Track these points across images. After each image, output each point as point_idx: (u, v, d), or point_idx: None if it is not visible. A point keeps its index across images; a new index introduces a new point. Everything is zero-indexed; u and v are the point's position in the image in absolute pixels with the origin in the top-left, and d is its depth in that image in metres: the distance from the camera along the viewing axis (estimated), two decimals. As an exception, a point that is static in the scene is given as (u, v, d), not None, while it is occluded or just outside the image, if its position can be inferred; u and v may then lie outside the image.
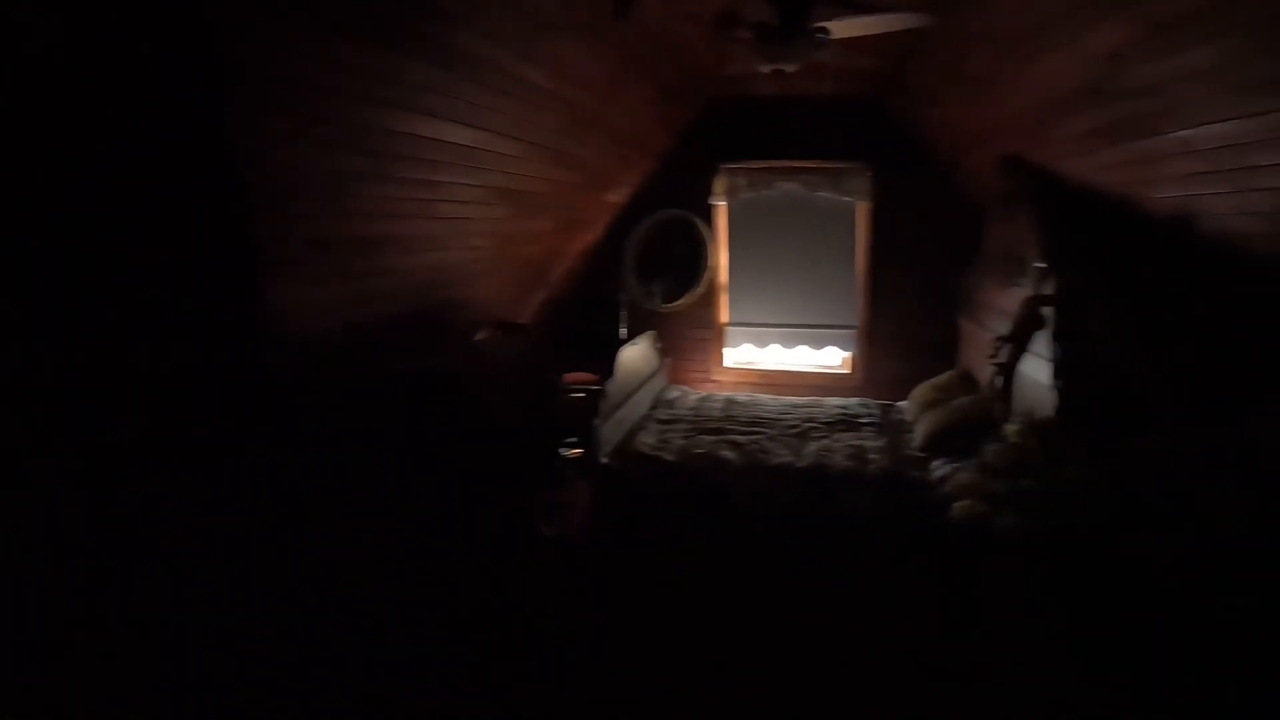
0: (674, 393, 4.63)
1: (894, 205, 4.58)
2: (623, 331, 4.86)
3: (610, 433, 3.56)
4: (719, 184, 4.82)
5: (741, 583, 3.00)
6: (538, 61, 2.69)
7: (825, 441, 3.63)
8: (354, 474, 2.65)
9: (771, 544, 3.11)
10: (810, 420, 3.97)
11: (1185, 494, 2.34)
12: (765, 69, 2.66)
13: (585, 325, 5.04)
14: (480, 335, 3.99)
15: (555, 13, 2.49)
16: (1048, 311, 2.84)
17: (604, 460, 3.43)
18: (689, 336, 5.13)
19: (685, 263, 5.03)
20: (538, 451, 3.64)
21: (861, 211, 4.67)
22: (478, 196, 3.18)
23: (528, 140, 3.15)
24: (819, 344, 4.92)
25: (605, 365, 3.82)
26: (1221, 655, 1.99)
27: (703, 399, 4.52)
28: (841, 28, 2.38)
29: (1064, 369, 2.77)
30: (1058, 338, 2.80)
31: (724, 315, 5.07)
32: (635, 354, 4.17)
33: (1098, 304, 2.85)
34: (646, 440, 3.66)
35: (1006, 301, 3.46)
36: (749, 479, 3.26)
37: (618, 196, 4.84)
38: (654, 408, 4.29)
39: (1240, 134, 1.94)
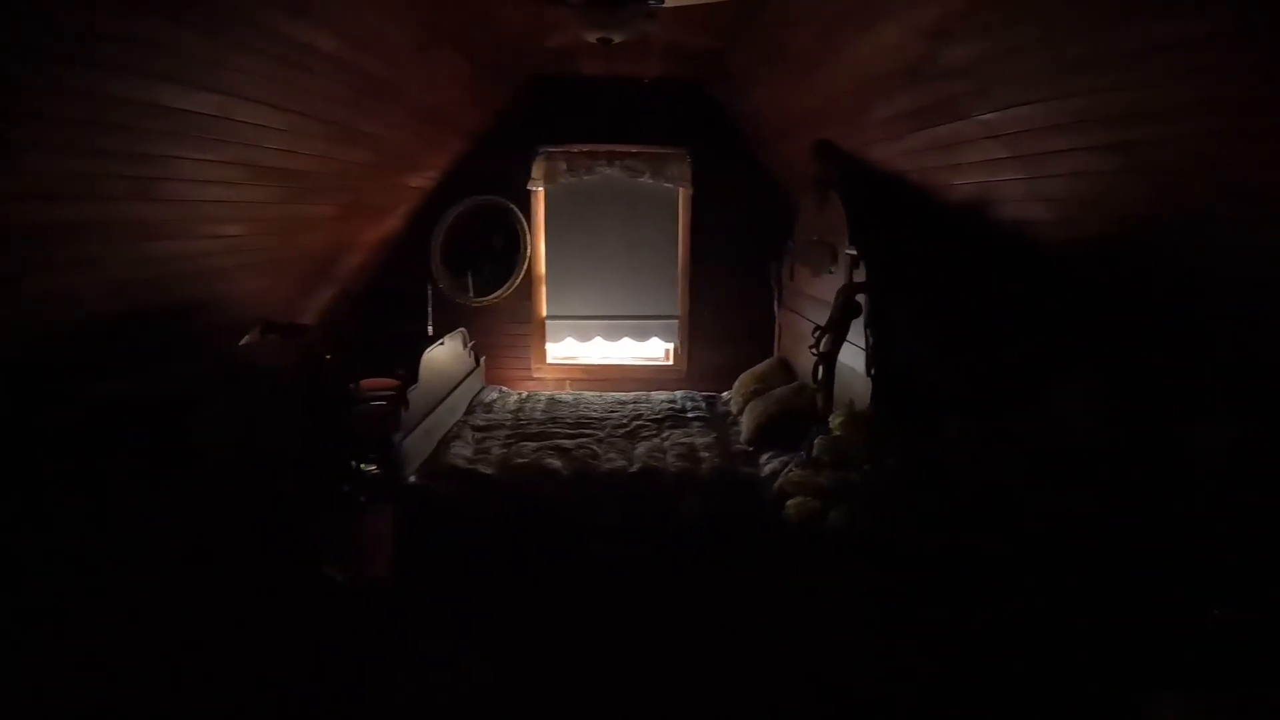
0: (492, 394, 4.21)
1: (714, 192, 4.53)
2: (429, 330, 4.33)
3: (417, 446, 3.08)
4: (538, 168, 4.47)
5: (577, 609, 2.70)
6: (312, 16, 2.15)
7: (655, 441, 3.46)
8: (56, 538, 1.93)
9: (607, 560, 2.84)
10: (638, 417, 3.78)
11: (988, 480, 2.43)
12: (591, 38, 2.38)
13: (384, 324, 4.44)
14: (246, 339, 3.27)
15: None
16: (862, 299, 2.86)
17: (410, 479, 2.94)
18: (506, 332, 4.74)
19: (501, 253, 4.63)
20: (323, 476, 3.00)
21: (683, 198, 4.57)
22: (222, 175, 2.53)
23: (295, 111, 2.56)
24: (642, 335, 4.76)
25: (410, 368, 3.31)
26: (1039, 642, 2.04)
27: (524, 400, 4.16)
28: None
29: (877, 358, 2.80)
30: (869, 326, 2.82)
31: (543, 308, 4.73)
32: (444, 354, 3.70)
33: (904, 292, 2.93)
34: (461, 452, 3.22)
35: (820, 289, 3.51)
36: (579, 490, 2.98)
37: (422, 180, 4.29)
38: (469, 413, 3.85)
39: (1037, 118, 1.97)
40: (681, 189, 4.52)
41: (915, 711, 2.15)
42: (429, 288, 4.46)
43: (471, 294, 4.64)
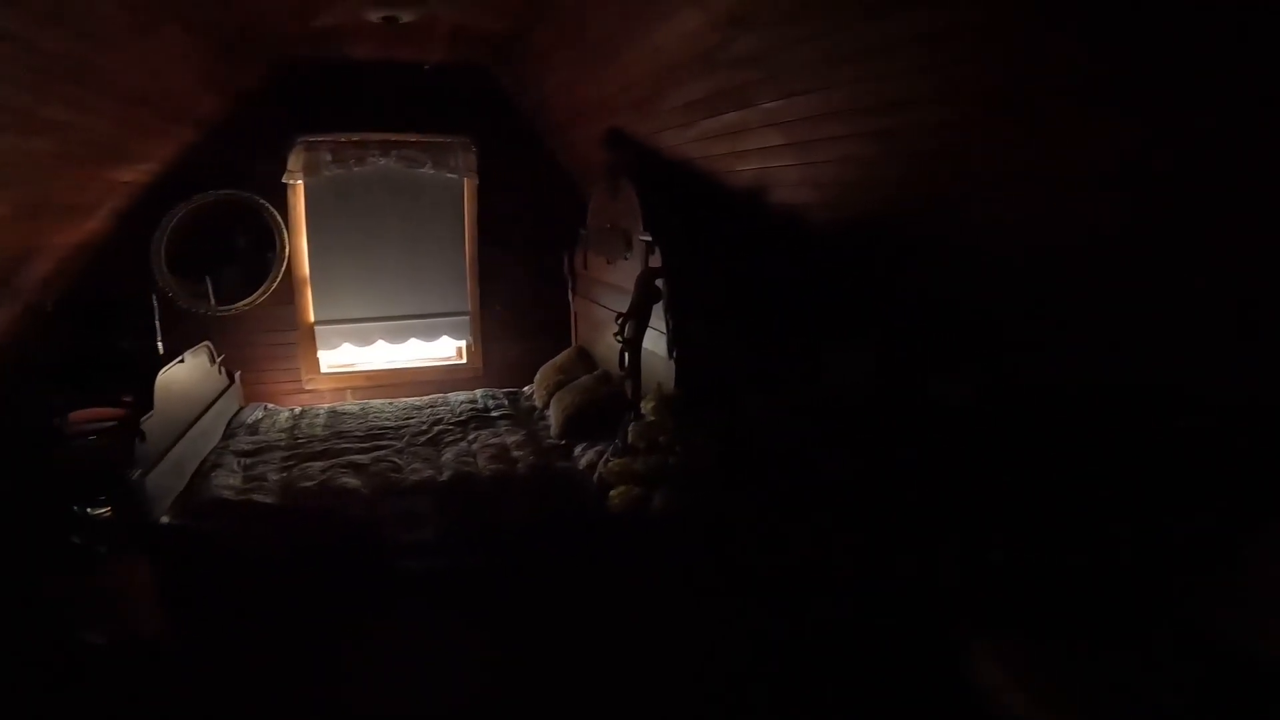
0: (255, 414, 3.62)
1: (502, 181, 4.33)
2: (159, 346, 3.59)
3: (165, 481, 2.54)
4: (295, 159, 3.92)
5: (399, 634, 2.41)
6: None
7: (463, 444, 3.23)
8: None
9: (425, 577, 2.58)
10: (439, 422, 3.51)
11: (787, 447, 2.63)
12: (374, 17, 2.09)
13: (96, 344, 3.57)
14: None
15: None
16: (661, 284, 2.92)
17: (164, 520, 2.40)
18: (266, 343, 4.12)
19: (249, 254, 4.00)
20: (37, 529, 2.33)
21: (468, 189, 4.31)
22: None
23: None
24: (431, 335, 4.42)
25: (139, 394, 2.69)
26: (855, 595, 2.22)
27: (298, 416, 3.64)
28: None
29: (678, 341, 2.87)
30: (669, 310, 2.89)
31: (310, 313, 4.17)
32: (185, 374, 3.09)
33: (698, 275, 3.06)
34: (227, 482, 2.72)
35: (615, 276, 3.54)
36: (384, 506, 2.66)
37: (136, 174, 3.50)
38: (229, 437, 3.26)
39: (810, 107, 2.12)
40: (466, 179, 4.27)
41: (758, 675, 2.23)
42: (153, 297, 3.69)
43: (213, 302, 3.95)
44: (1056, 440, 2.11)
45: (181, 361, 3.10)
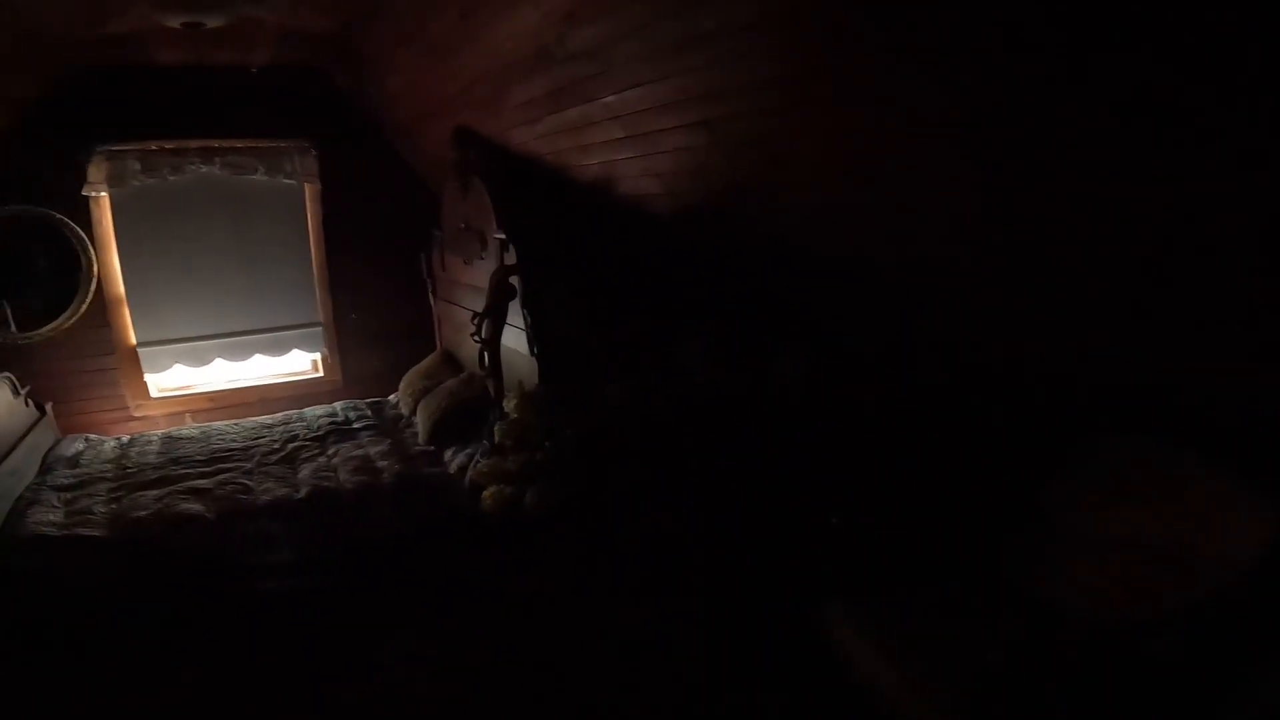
0: (75, 446, 3.26)
1: (347, 185, 4.14)
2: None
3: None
4: (97, 170, 3.57)
5: (261, 665, 2.27)
6: None
7: (321, 460, 3.08)
8: None
9: (282, 597, 2.45)
10: (294, 439, 3.32)
11: (647, 434, 2.72)
12: (173, 23, 1.93)
13: None
14: None
15: None
16: (516, 281, 2.94)
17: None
18: (78, 370, 3.73)
19: (52, 275, 3.60)
20: None
21: (310, 194, 4.09)
22: None
23: None
24: (279, 349, 4.16)
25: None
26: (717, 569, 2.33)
27: (126, 445, 3.31)
28: None
29: (537, 337, 2.89)
30: (526, 307, 2.91)
31: (130, 335, 3.80)
32: (-18, 407, 2.72)
33: (553, 270, 3.11)
34: (46, 518, 2.47)
35: (473, 276, 3.51)
36: (234, 530, 2.49)
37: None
38: (45, 473, 2.93)
39: (645, 99, 2.21)
40: (307, 184, 4.05)
41: (639, 659, 2.29)
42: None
43: (13, 328, 3.51)
44: (885, 408, 2.34)
45: (-27, 395, 2.73)
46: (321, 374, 4.35)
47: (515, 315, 2.95)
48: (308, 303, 4.20)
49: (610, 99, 2.35)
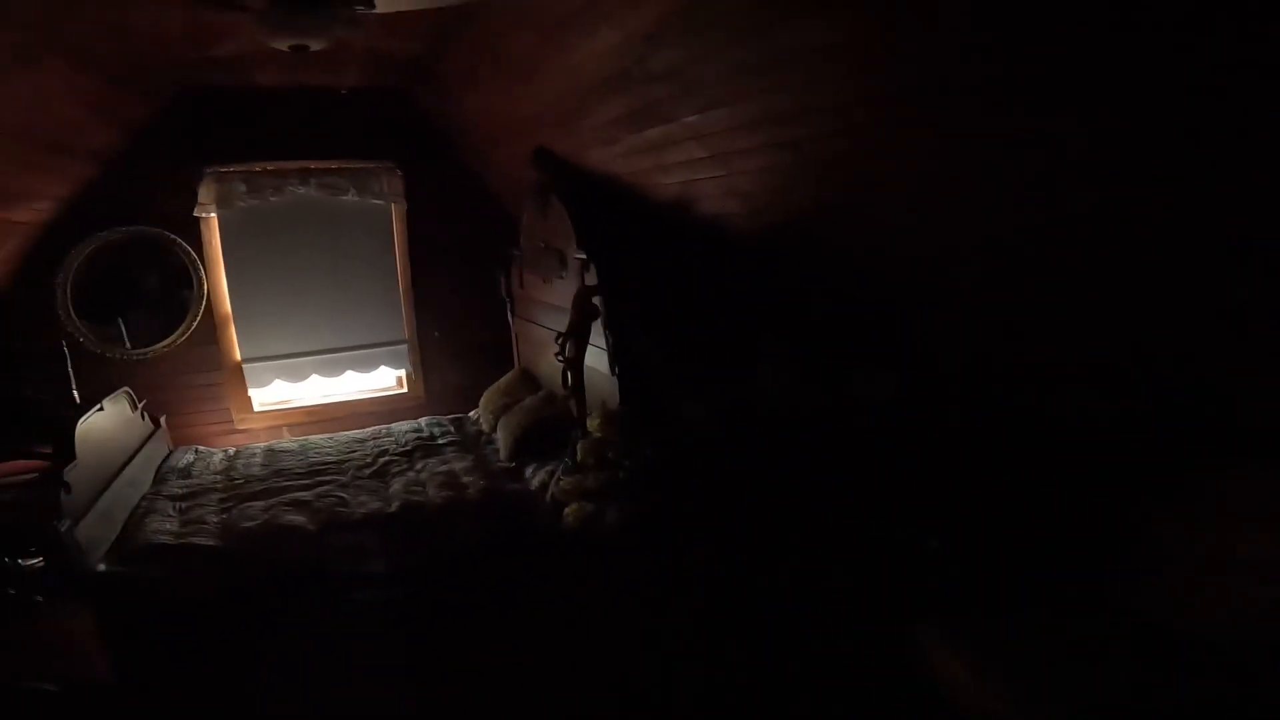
0: (186, 457, 3.48)
1: (430, 205, 4.30)
2: (75, 395, 3.41)
3: (97, 530, 2.44)
4: (206, 191, 3.79)
5: (353, 672, 2.36)
6: None
7: (410, 474, 3.19)
8: None
9: (379, 610, 2.54)
10: (384, 453, 3.45)
11: (728, 453, 2.70)
12: (281, 45, 2.08)
13: (7, 394, 3.37)
14: None
15: None
16: (598, 301, 2.98)
17: (100, 568, 2.31)
18: (189, 385, 3.98)
19: (163, 293, 3.84)
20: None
21: (396, 214, 4.27)
22: None
23: None
24: (368, 366, 4.35)
25: (57, 444, 2.57)
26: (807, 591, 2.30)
27: (233, 457, 3.51)
28: None
29: (619, 357, 2.93)
30: (608, 327, 2.94)
31: (236, 351, 4.04)
32: (105, 422, 2.96)
33: (633, 290, 3.13)
34: (163, 528, 2.63)
35: (552, 295, 3.58)
36: (332, 542, 2.61)
37: (31, 214, 3.33)
38: (160, 483, 3.14)
39: (727, 120, 2.22)
40: (394, 204, 4.23)
41: (718, 680, 2.27)
42: (64, 344, 3.50)
43: (129, 345, 3.78)
44: (980, 427, 2.25)
45: (100, 409, 2.96)
46: (406, 390, 4.51)
47: (596, 335, 2.99)
48: (394, 320, 4.37)
49: (692, 119, 2.36)
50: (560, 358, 2.95)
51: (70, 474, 2.41)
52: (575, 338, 2.94)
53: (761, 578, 2.39)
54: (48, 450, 2.65)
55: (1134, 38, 1.19)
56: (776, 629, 2.31)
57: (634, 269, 3.20)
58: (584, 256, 3.07)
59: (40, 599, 2.26)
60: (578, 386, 2.95)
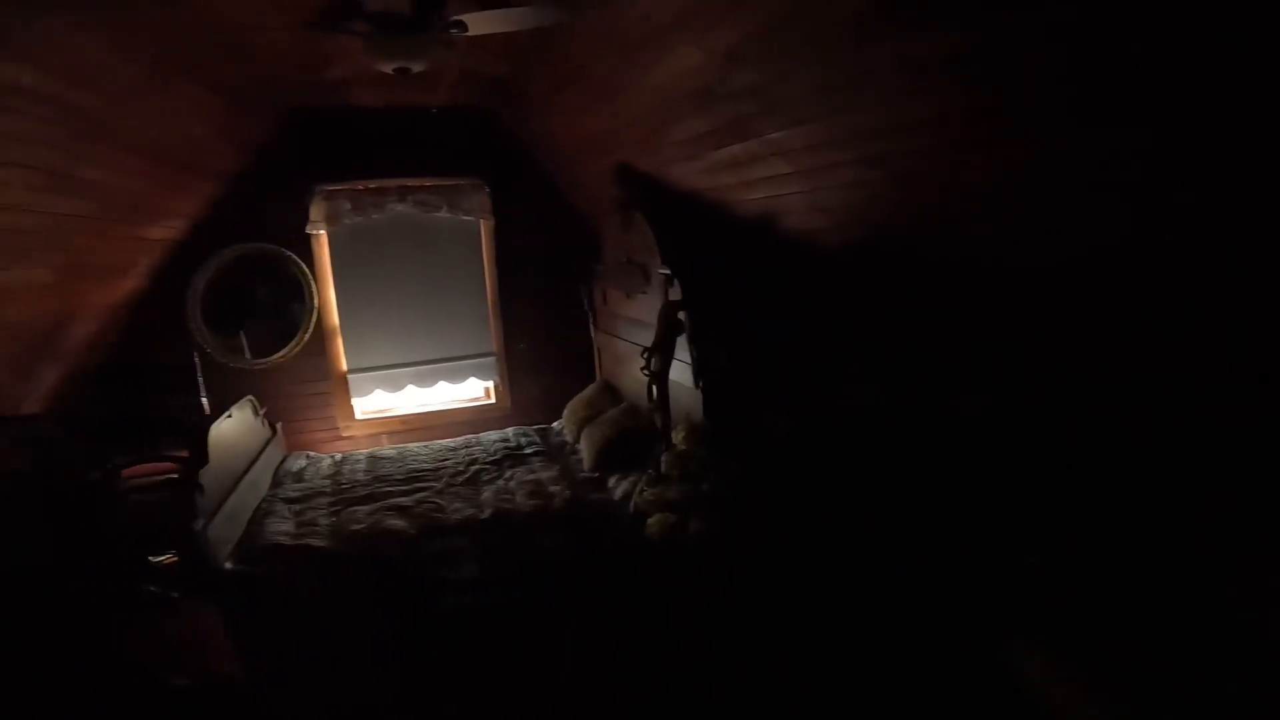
0: (299, 462, 3.74)
1: (515, 221, 4.46)
2: (204, 402, 3.74)
3: (223, 530, 2.65)
4: (317, 209, 4.05)
5: (451, 667, 2.49)
6: (12, 50, 1.78)
7: (500, 483, 3.32)
8: None
9: (466, 612, 2.66)
10: (475, 461, 3.60)
11: (815, 470, 2.69)
12: (387, 68, 2.25)
13: (143, 402, 3.73)
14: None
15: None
16: (683, 316, 3.02)
17: (227, 566, 2.52)
18: (301, 394, 4.24)
19: (279, 306, 4.13)
20: (101, 582, 2.45)
21: (484, 230, 4.46)
22: None
23: None
24: (459, 377, 4.55)
25: (192, 448, 2.83)
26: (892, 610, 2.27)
27: (340, 463, 3.75)
28: (479, 22, 2.12)
29: (703, 370, 2.96)
30: (693, 341, 2.98)
31: (342, 362, 4.32)
32: (232, 427, 3.22)
33: (717, 305, 3.16)
34: (280, 528, 2.84)
35: (635, 309, 3.65)
36: (429, 547, 2.75)
37: (166, 231, 3.68)
38: (276, 486, 3.39)
39: (813, 135, 2.22)
40: (482, 221, 4.41)
41: (801, 697, 2.27)
42: (195, 355, 3.84)
43: (249, 355, 4.09)
44: (1081, 445, 2.16)
45: (229, 416, 3.23)
46: (494, 401, 4.68)
47: (681, 349, 3.03)
48: (483, 334, 4.56)
49: (776, 135, 2.37)
50: (646, 371, 3.01)
51: (204, 476, 2.65)
52: (660, 352, 2.99)
53: (847, 592, 2.36)
54: (183, 454, 2.91)
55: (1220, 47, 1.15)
56: (861, 643, 2.28)
57: (718, 283, 3.22)
58: (668, 271, 3.12)
59: (176, 595, 2.48)
60: (662, 400, 3.00)
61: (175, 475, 2.95)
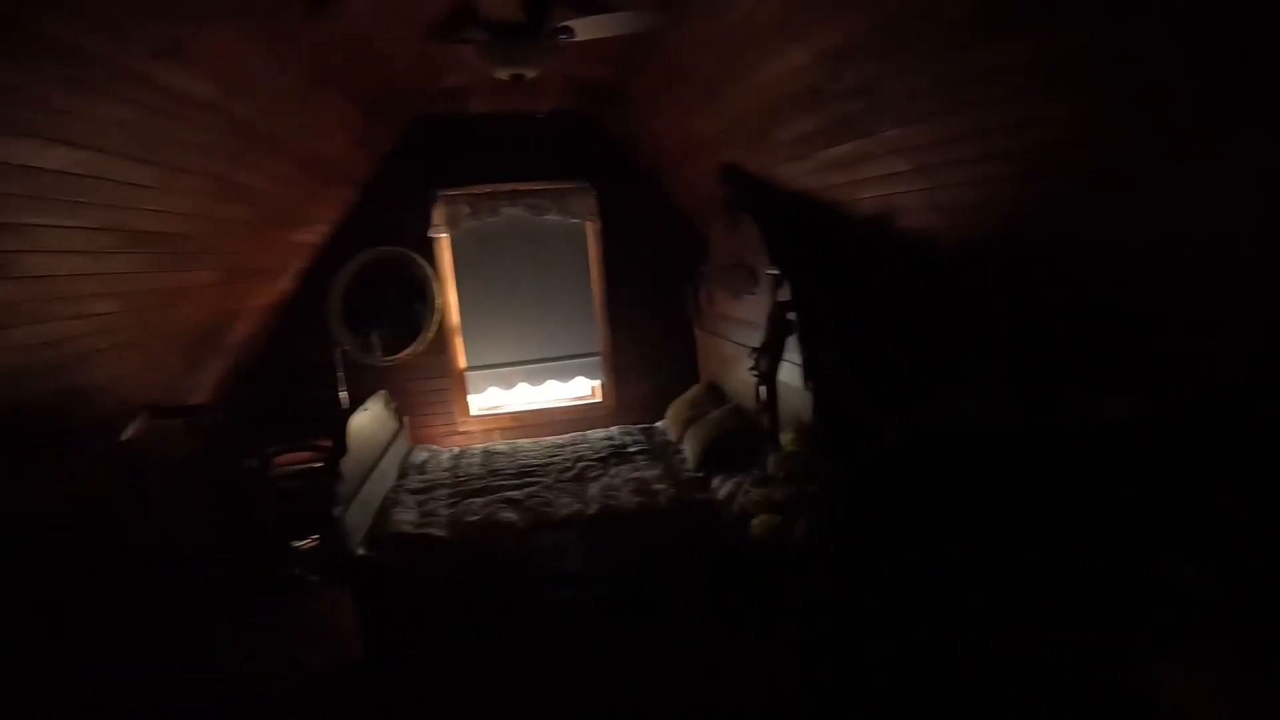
0: (422, 455, 4.00)
1: (621, 223, 4.55)
2: (343, 396, 4.07)
3: (356, 518, 2.87)
4: (439, 213, 4.31)
5: (556, 659, 2.59)
6: (184, 61, 1.98)
7: (605, 479, 3.41)
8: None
9: (572, 604, 2.76)
10: (581, 459, 3.72)
11: (928, 474, 2.58)
12: (503, 75, 2.37)
13: (289, 395, 4.12)
14: (130, 431, 2.93)
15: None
16: (793, 316, 2.98)
17: (359, 552, 2.73)
18: (423, 390, 4.52)
19: (406, 306, 4.43)
20: (255, 563, 2.74)
21: (591, 232, 4.58)
22: (88, 243, 2.24)
23: (167, 165, 2.32)
24: (566, 376, 4.70)
25: (331, 439, 3.09)
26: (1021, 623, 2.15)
27: (458, 456, 3.97)
28: (585, 27, 2.20)
29: (812, 372, 2.91)
30: (802, 342, 2.93)
31: (461, 359, 4.57)
32: (367, 420, 3.48)
33: (828, 305, 3.08)
34: (405, 517, 3.04)
35: (742, 310, 3.63)
36: (537, 539, 2.87)
37: (312, 235, 4.03)
38: (402, 477, 3.63)
39: (937, 131, 2.13)
40: (589, 223, 4.52)
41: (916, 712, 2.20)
42: (336, 352, 4.19)
43: (379, 353, 4.41)
44: (1239, 452, 1.96)
45: (366, 409, 3.50)
46: (599, 400, 4.80)
47: (789, 350, 2.99)
48: (589, 333, 4.69)
49: (891, 133, 2.30)
50: (754, 372, 2.99)
51: (343, 465, 2.89)
52: (769, 353, 2.96)
53: (968, 603, 2.26)
54: (326, 443, 3.19)
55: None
56: (982, 657, 2.17)
57: (828, 284, 3.16)
58: (777, 272, 3.08)
59: (315, 579, 2.72)
60: (771, 401, 2.97)
61: (319, 464, 3.23)
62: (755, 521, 2.73)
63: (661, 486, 3.24)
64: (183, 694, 2.05)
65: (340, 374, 4.10)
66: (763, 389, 2.95)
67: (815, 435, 2.77)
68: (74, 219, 2.09)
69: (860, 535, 2.54)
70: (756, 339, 3.05)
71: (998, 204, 2.25)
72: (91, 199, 2.09)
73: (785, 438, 2.82)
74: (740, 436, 3.36)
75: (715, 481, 3.21)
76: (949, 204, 2.46)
